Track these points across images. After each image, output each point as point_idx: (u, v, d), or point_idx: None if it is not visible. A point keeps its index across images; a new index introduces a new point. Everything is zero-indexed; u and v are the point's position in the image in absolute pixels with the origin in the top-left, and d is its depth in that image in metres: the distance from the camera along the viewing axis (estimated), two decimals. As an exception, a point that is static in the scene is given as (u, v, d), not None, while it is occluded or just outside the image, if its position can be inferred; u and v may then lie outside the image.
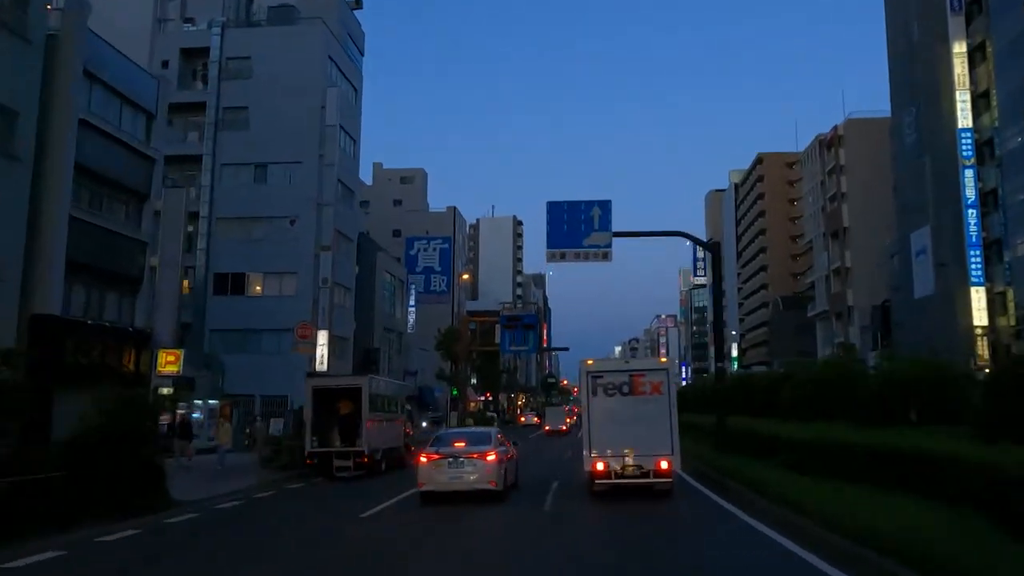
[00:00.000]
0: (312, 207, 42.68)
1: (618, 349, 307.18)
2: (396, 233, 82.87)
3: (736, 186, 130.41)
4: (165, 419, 26.73)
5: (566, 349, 71.26)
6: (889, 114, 76.58)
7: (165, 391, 25.91)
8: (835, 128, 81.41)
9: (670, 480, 15.53)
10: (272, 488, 19.82)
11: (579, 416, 39.61)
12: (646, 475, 15.18)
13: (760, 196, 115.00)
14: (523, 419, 75.83)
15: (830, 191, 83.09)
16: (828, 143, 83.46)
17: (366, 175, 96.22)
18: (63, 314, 22.84)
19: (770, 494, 12.52)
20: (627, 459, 15.11)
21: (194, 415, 29.16)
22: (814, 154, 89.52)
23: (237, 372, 40.63)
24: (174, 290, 27.10)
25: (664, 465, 15.08)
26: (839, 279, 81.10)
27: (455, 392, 53.79)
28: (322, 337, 41.13)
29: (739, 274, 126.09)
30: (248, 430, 25.42)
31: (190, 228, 43.77)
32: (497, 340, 53.82)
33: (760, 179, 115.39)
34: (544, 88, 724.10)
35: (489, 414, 61.93)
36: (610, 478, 15.28)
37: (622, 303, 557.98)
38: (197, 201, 43.48)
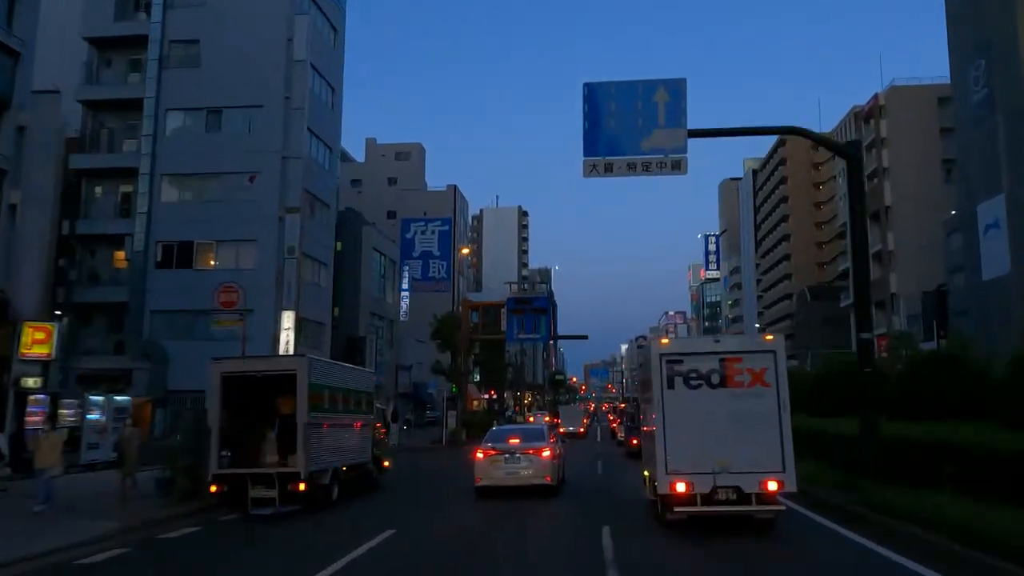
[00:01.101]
0: (276, 161, 34.91)
1: (624, 347, 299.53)
2: (391, 214, 75.45)
3: (754, 172, 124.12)
4: (35, 423, 18.92)
5: (585, 337, 63.47)
6: (936, 82, 69.77)
7: (31, 382, 18.06)
8: (875, 97, 73.71)
9: (779, 508, 11.62)
10: (127, 542, 11.81)
11: (620, 417, 31.87)
12: (745, 500, 11.33)
13: (782, 180, 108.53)
14: (532, 419, 67.91)
15: (868, 168, 75.46)
16: (866, 115, 75.81)
17: (358, 150, 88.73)
18: None
19: None
20: (719, 478, 11.32)
21: (91, 416, 21.37)
22: (848, 129, 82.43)
23: (183, 362, 32.80)
24: (43, 237, 19.35)
25: (772, 486, 11.26)
26: (879, 264, 73.81)
27: (455, 389, 45.96)
28: (287, 319, 33.41)
29: (758, 265, 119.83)
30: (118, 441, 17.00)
31: (128, 188, 36.12)
32: (503, 328, 45.80)
33: (782, 162, 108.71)
34: (543, 87, 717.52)
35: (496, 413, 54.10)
36: (694, 504, 11.48)
37: (627, 303, 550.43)
38: (137, 155, 35.67)
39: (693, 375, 11.79)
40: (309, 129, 36.95)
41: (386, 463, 19.57)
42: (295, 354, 14.29)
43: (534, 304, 43.51)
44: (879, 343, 67.93)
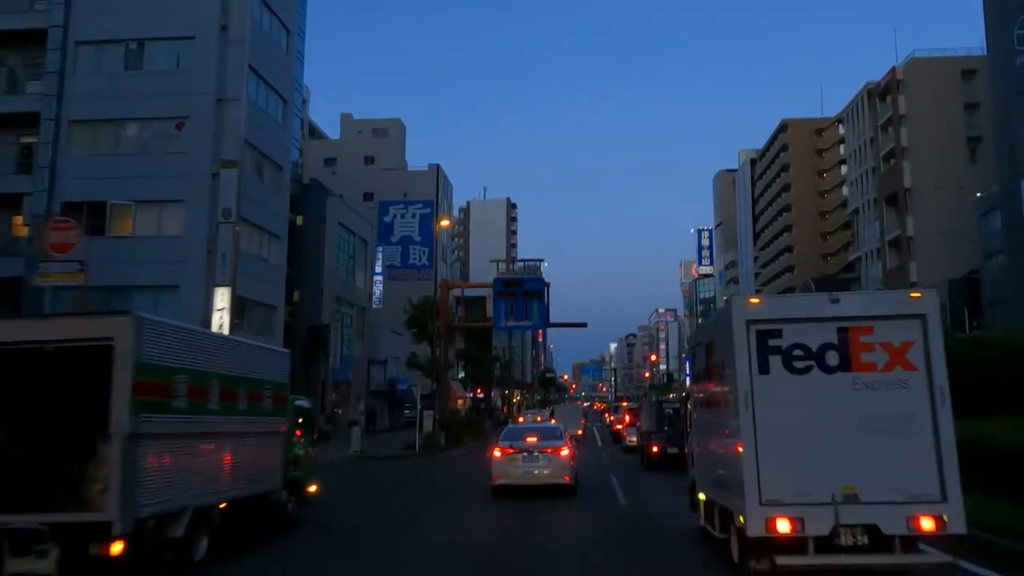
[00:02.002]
0: (210, 104, 28.58)
1: (613, 346, 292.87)
2: (368, 196, 69.31)
3: (752, 162, 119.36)
4: None
5: (584, 325, 55.70)
6: (958, 54, 64.84)
7: None
8: (892, 71, 68.25)
9: (944, 561, 7.69)
10: None
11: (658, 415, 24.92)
12: (885, 546, 7.64)
13: (784, 168, 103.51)
14: (522, 419, 62.03)
15: (884, 148, 70.13)
16: (881, 92, 70.24)
17: (332, 126, 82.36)
18: None
19: None
20: (843, 511, 7.66)
21: None
22: (860, 107, 76.95)
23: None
24: None
25: (927, 525, 7.58)
26: (896, 252, 68.26)
27: (435, 386, 39.91)
28: (221, 297, 27.05)
29: (756, 258, 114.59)
30: None
31: (31, 139, 29.67)
32: (490, 314, 39.66)
33: (784, 149, 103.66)
34: (537, 86, 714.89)
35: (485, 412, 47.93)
36: (803, 551, 7.71)
37: (617, 301, 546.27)
38: (40, 97, 29.21)
39: (798, 353, 8.27)
40: (254, 70, 30.58)
41: (311, 488, 13.31)
42: (110, 311, 8.27)
43: (525, 286, 37.18)
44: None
